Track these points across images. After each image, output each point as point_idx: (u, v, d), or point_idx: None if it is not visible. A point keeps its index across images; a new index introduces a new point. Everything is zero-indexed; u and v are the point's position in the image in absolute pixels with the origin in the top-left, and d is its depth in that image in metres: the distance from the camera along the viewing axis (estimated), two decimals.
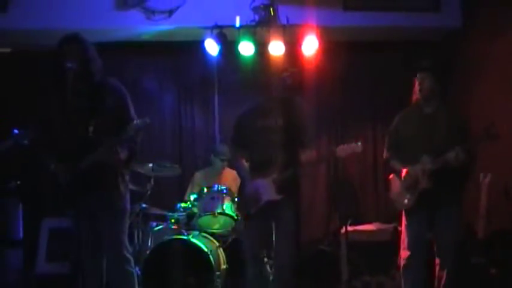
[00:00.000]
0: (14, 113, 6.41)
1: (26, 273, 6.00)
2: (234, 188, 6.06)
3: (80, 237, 3.78)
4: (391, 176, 4.68)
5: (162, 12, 6.17)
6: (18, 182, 5.94)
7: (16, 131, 4.59)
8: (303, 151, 4.31)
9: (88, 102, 3.87)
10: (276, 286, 4.40)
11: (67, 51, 3.85)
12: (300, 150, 4.32)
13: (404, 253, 4.56)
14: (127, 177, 4.09)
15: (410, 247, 4.51)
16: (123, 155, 3.89)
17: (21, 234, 6.07)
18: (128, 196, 4.07)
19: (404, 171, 4.50)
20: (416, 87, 4.54)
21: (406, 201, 4.49)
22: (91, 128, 3.81)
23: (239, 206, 4.76)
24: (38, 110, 4.21)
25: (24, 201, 6.08)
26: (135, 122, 3.79)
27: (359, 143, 4.26)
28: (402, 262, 4.58)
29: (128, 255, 4.00)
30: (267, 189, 4.27)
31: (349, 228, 5.93)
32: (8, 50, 6.81)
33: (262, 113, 4.43)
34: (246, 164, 4.54)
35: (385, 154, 4.74)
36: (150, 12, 6.17)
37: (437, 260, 4.50)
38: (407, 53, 6.76)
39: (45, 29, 6.02)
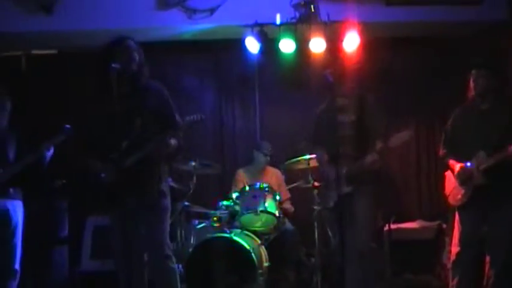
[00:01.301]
0: (61, 113, 6.53)
1: (71, 271, 6.10)
2: (276, 186, 6.08)
3: (122, 235, 3.82)
4: (446, 173, 4.66)
5: (203, 11, 6.19)
6: (64, 181, 6.06)
7: (67, 126, 4.70)
8: (376, 143, 4.37)
9: (132, 102, 3.92)
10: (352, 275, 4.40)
11: (115, 52, 3.92)
12: (371, 144, 4.38)
13: (454, 249, 4.56)
14: (168, 176, 4.14)
15: (461, 243, 4.50)
16: (174, 143, 3.93)
17: (66, 232, 6.18)
18: (168, 195, 4.10)
19: (458, 166, 4.48)
20: (472, 84, 4.51)
21: (459, 196, 4.49)
22: (137, 127, 3.86)
23: (321, 199, 4.85)
24: (84, 110, 4.27)
25: (69, 200, 6.19)
26: (188, 117, 3.87)
27: (408, 132, 4.29)
28: (452, 258, 4.58)
29: (170, 253, 4.04)
30: (339, 182, 4.35)
31: (392, 226, 5.87)
32: (54, 51, 6.96)
33: (338, 109, 4.50)
34: (326, 158, 4.66)
35: (441, 151, 4.72)
36: (191, 11, 6.19)
37: (487, 258, 4.46)
38: (451, 47, 6.65)
39: (90, 30, 6.11)
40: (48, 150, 4.79)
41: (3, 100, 4.90)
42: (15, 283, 4.91)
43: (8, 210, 4.84)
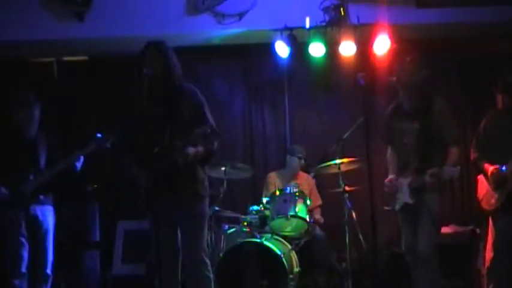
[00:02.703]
0: (92, 119, 6.61)
1: (102, 275, 6.15)
2: (307, 191, 6.04)
3: (158, 240, 3.80)
4: (479, 177, 4.58)
5: (232, 15, 6.21)
6: (96, 186, 6.12)
7: (99, 135, 4.75)
8: (450, 150, 4.30)
9: (165, 108, 3.92)
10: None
11: (148, 57, 3.93)
12: (443, 152, 4.30)
13: (488, 255, 4.49)
14: (206, 182, 4.08)
15: (495, 250, 4.43)
16: (198, 155, 3.88)
17: (98, 237, 6.23)
18: (207, 199, 4.07)
19: (491, 170, 4.40)
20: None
21: (493, 201, 4.41)
22: (167, 134, 3.85)
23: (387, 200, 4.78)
24: (115, 116, 4.31)
25: (101, 204, 6.25)
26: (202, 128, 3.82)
27: (453, 168, 4.18)
28: (486, 264, 4.50)
29: (206, 259, 4.00)
30: (404, 191, 4.40)
31: None
32: (85, 57, 7.04)
33: (400, 115, 4.49)
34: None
35: (472, 155, 4.62)
36: (220, 16, 6.22)
37: None
38: (483, 48, 6.54)
39: (120, 36, 6.17)
40: (78, 160, 4.84)
41: (33, 108, 4.97)
42: (47, 287, 4.97)
43: (37, 216, 4.91)
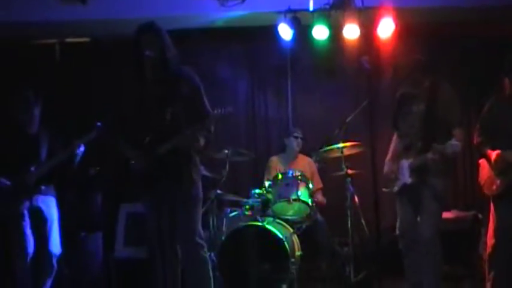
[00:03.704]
0: (93, 101, 6.59)
1: (105, 257, 6.15)
2: (309, 174, 6.03)
3: (154, 223, 3.84)
4: (481, 161, 4.56)
5: None
6: (98, 169, 6.11)
7: (99, 124, 4.72)
8: (453, 133, 4.32)
9: (164, 90, 3.91)
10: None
11: (144, 40, 3.90)
12: (446, 135, 4.29)
13: (490, 241, 4.47)
14: (199, 165, 4.12)
15: (496, 236, 4.39)
16: (202, 142, 3.93)
17: (100, 219, 6.24)
18: (200, 184, 4.09)
19: (494, 155, 4.36)
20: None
21: (494, 187, 4.38)
22: (168, 116, 3.85)
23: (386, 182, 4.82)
24: (116, 98, 4.29)
25: (103, 187, 6.24)
26: (217, 111, 3.84)
27: (456, 142, 4.17)
28: (488, 250, 4.48)
29: (201, 242, 4.03)
30: (405, 172, 4.44)
31: None
32: (87, 39, 7.00)
33: (407, 99, 4.53)
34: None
35: (475, 139, 4.60)
36: None
37: None
38: (489, 33, 6.49)
39: (122, 18, 6.13)
40: (79, 148, 4.83)
41: (32, 101, 4.94)
42: (51, 278, 4.98)
43: (40, 207, 4.91)
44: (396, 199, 4.59)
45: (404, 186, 4.46)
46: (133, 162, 3.94)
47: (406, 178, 4.43)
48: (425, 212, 4.38)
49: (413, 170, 4.39)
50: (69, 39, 7.00)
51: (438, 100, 4.39)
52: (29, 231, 4.87)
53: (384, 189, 4.68)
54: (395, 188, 4.52)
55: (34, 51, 6.90)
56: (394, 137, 4.70)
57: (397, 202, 4.59)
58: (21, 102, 4.93)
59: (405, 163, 4.46)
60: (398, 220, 4.58)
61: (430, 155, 4.27)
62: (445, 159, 4.31)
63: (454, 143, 4.16)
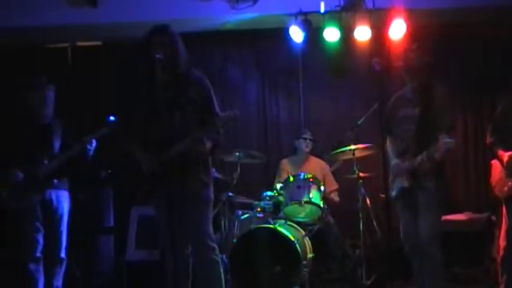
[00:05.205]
0: (105, 104, 6.61)
1: (116, 260, 6.17)
2: (320, 176, 6.02)
3: (164, 226, 3.83)
4: (493, 162, 4.52)
5: (246, 0, 6.16)
6: (109, 171, 6.13)
7: (111, 119, 4.74)
8: (442, 137, 4.21)
9: (174, 92, 3.90)
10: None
11: (157, 42, 3.89)
12: (433, 139, 4.24)
13: (502, 243, 4.44)
14: (210, 167, 4.11)
15: (508, 237, 4.36)
16: (208, 146, 3.93)
17: (112, 222, 6.25)
18: (211, 186, 4.08)
19: (506, 156, 4.32)
20: None
21: (506, 188, 4.34)
22: (177, 119, 3.86)
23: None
24: (126, 102, 4.30)
25: (114, 190, 6.26)
26: (223, 114, 3.84)
27: (449, 140, 4.11)
28: (500, 253, 4.44)
29: (212, 244, 4.02)
30: (401, 176, 4.38)
31: None
32: (99, 43, 7.04)
33: (403, 103, 4.49)
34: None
35: (488, 139, 4.56)
36: (234, 1, 6.17)
37: None
38: (501, 33, 6.45)
39: (133, 21, 6.15)
40: (91, 143, 4.86)
41: (48, 90, 4.97)
42: (61, 270, 5.01)
43: (51, 200, 4.93)
44: (397, 205, 4.52)
45: (402, 191, 4.40)
46: (143, 164, 3.94)
47: (404, 181, 4.38)
48: (422, 215, 4.33)
49: (409, 174, 4.34)
50: (81, 43, 7.04)
51: (433, 104, 4.34)
52: (39, 225, 4.90)
53: (381, 195, 4.65)
54: (393, 193, 4.47)
55: (47, 55, 6.94)
56: (388, 143, 4.60)
57: (397, 207, 4.53)
58: (34, 85, 4.96)
59: (400, 168, 4.39)
60: (400, 225, 4.52)
61: (418, 159, 4.24)
62: (437, 162, 4.25)
63: (446, 141, 4.08)
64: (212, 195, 4.09)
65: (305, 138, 6.33)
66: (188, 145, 3.84)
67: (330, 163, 6.39)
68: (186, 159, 3.88)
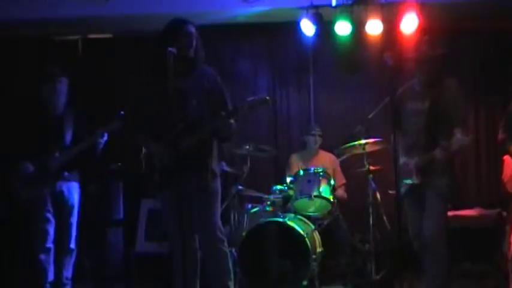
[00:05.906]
0: (116, 97, 6.62)
1: (126, 252, 6.20)
2: (330, 170, 6.01)
3: (175, 217, 3.83)
4: (505, 157, 4.49)
5: None
6: (120, 164, 6.15)
7: (122, 113, 4.76)
8: (455, 131, 4.14)
9: (187, 83, 3.92)
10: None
11: (174, 36, 3.90)
12: (449, 133, 4.15)
13: None
14: (219, 158, 4.14)
15: None
16: (233, 129, 3.96)
17: (122, 214, 6.28)
18: (219, 176, 4.10)
19: None
20: None
21: None
22: (192, 108, 3.88)
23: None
24: (139, 92, 4.30)
25: (125, 182, 6.28)
26: (252, 98, 3.87)
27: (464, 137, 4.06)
28: (511, 248, 4.40)
29: (221, 236, 4.03)
30: (410, 172, 4.29)
31: (449, 213, 5.70)
32: (109, 35, 7.05)
33: (412, 96, 4.40)
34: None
35: (500, 135, 4.52)
36: None
37: None
38: None
39: (144, 14, 6.16)
40: (102, 136, 4.87)
41: (58, 82, 4.99)
42: (71, 261, 5.05)
43: (62, 191, 4.97)
44: (404, 201, 4.44)
45: (410, 188, 4.33)
46: (156, 157, 3.93)
47: (413, 178, 4.30)
48: (429, 211, 4.27)
49: (419, 169, 4.26)
50: (91, 35, 7.05)
51: (443, 97, 4.24)
52: (50, 216, 4.93)
53: (389, 192, 4.59)
54: (402, 189, 4.36)
55: (57, 48, 6.96)
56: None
57: (406, 204, 4.44)
58: (46, 76, 4.97)
59: (409, 163, 4.32)
60: (408, 222, 4.46)
61: (438, 153, 4.12)
62: (450, 157, 4.19)
63: (461, 138, 4.02)
64: (220, 187, 4.11)
65: (314, 134, 6.32)
66: (208, 130, 3.86)
67: (340, 157, 6.37)
68: (199, 150, 3.89)
